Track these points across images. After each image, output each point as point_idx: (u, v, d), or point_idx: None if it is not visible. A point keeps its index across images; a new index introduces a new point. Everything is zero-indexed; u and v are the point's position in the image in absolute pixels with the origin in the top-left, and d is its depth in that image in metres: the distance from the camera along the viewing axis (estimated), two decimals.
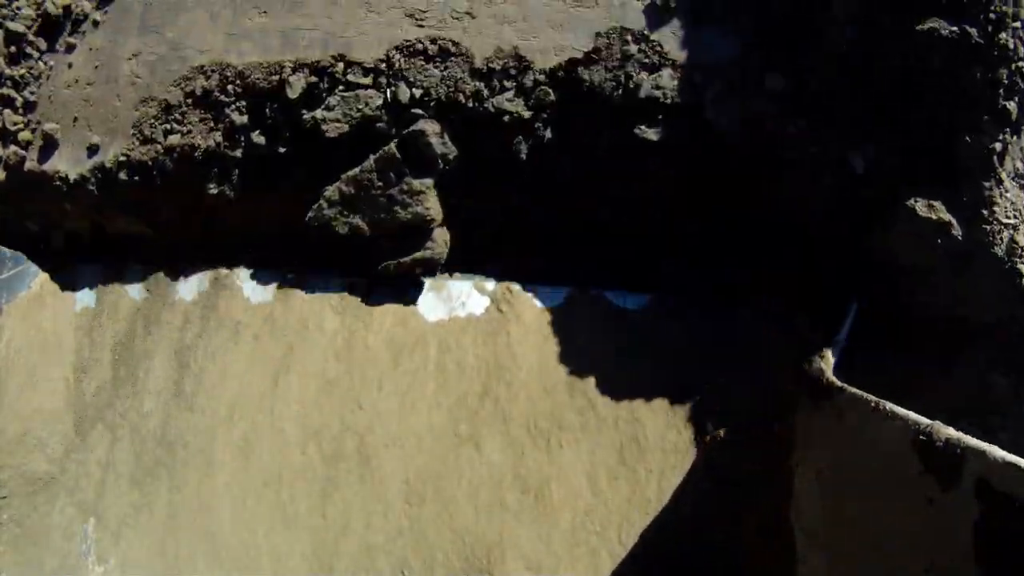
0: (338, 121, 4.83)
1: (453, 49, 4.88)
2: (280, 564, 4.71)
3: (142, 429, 5.16)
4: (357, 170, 4.90)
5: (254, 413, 5.05)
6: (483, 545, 4.61)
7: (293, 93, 4.91)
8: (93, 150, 5.31)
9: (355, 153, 4.98)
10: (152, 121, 5.21)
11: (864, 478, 3.57)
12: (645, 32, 4.87)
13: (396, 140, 4.85)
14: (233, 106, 5.07)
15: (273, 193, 5.19)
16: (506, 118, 4.82)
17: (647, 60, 4.79)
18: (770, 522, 4.39)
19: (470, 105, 4.85)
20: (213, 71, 5.11)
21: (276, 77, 5.01)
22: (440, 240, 4.92)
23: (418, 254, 4.89)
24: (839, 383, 3.99)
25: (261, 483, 4.90)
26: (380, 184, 4.83)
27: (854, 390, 3.79)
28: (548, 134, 4.88)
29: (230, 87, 5.06)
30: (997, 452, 2.79)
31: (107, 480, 5.03)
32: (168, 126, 5.19)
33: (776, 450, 4.53)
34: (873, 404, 3.59)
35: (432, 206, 4.83)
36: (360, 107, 4.84)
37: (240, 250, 5.47)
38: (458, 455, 4.81)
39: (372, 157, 4.89)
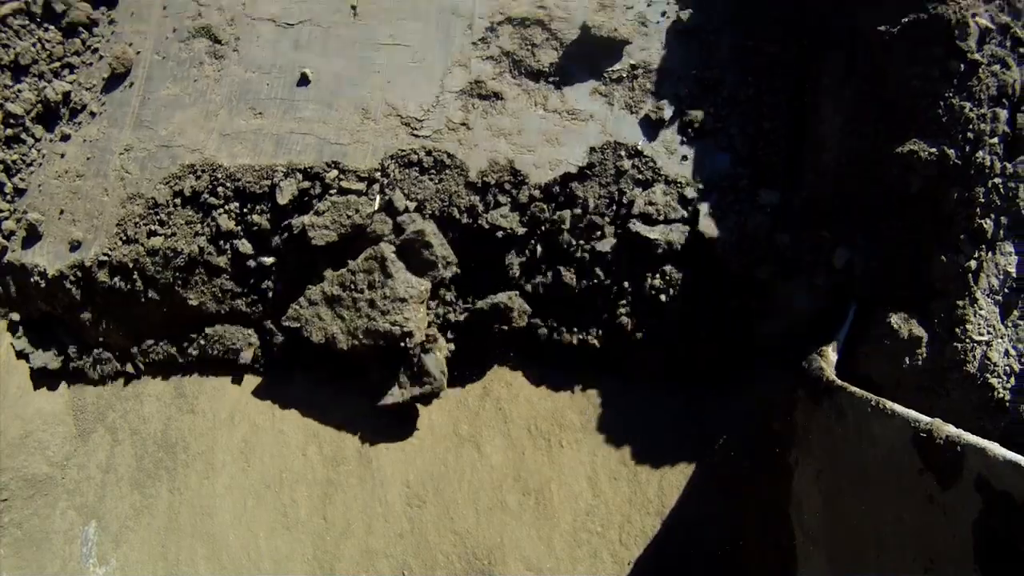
0: (327, 228, 4.56)
1: (448, 161, 4.69)
2: (280, 567, 4.58)
3: (143, 432, 4.90)
4: (345, 269, 4.57)
5: (254, 415, 4.89)
6: (484, 547, 4.60)
7: (283, 198, 4.64)
8: (75, 246, 4.97)
9: (344, 263, 4.64)
10: (137, 220, 4.88)
11: (864, 477, 3.40)
12: (639, 147, 4.74)
13: (391, 242, 4.54)
14: (221, 209, 4.77)
15: (260, 301, 4.85)
16: (500, 234, 4.58)
17: (640, 176, 4.65)
18: (770, 522, 4.40)
19: (464, 220, 4.60)
20: (203, 171, 4.84)
21: (268, 181, 4.73)
22: (437, 371, 4.47)
23: (417, 391, 4.46)
24: (839, 382, 3.80)
25: (262, 486, 4.68)
26: (364, 286, 4.48)
27: (854, 389, 3.73)
28: (540, 248, 4.62)
29: (220, 189, 4.78)
30: (997, 449, 2.66)
31: (108, 483, 4.76)
32: (152, 227, 4.85)
33: (775, 449, 4.53)
34: (873, 403, 3.42)
35: (412, 317, 4.44)
36: (350, 214, 4.57)
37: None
38: (459, 456, 4.75)
39: (362, 255, 4.56)
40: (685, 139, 4.79)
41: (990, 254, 3.97)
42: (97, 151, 5.16)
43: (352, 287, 4.53)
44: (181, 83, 5.19)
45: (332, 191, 4.66)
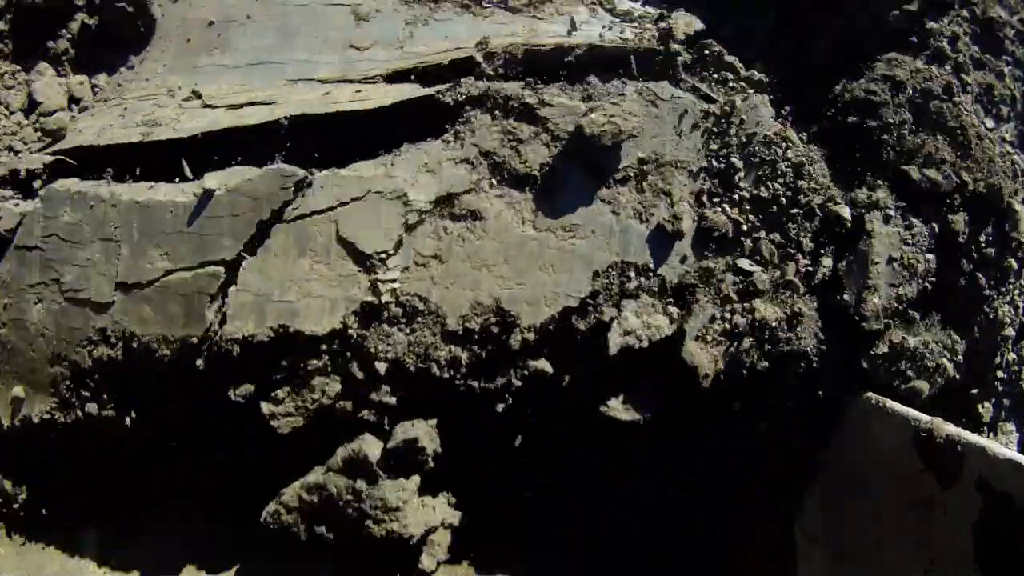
0: (291, 415, 3.66)
1: (421, 307, 3.69)
2: None
3: None
4: (320, 474, 3.71)
5: None
6: None
7: (236, 395, 3.72)
8: (18, 404, 4.05)
9: (315, 441, 3.76)
10: (67, 383, 3.96)
11: (864, 477, 3.39)
12: (650, 265, 3.80)
13: (368, 426, 3.75)
14: (146, 383, 3.84)
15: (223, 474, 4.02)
16: (493, 403, 3.77)
17: (648, 299, 3.80)
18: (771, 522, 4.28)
19: (445, 376, 3.69)
20: (116, 339, 3.81)
21: (195, 357, 3.71)
22: None
23: None
24: None
25: None
26: (350, 495, 3.66)
27: None
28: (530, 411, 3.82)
29: (140, 361, 3.79)
30: (998, 448, 2.67)
31: None
32: (84, 392, 3.94)
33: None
34: (873, 401, 3.39)
35: (411, 520, 3.65)
36: (316, 396, 3.66)
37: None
38: None
39: (339, 455, 3.70)
40: (705, 250, 3.86)
41: (992, 435, 3.86)
42: (13, 297, 4.04)
43: (336, 496, 3.68)
44: (81, 208, 3.96)
45: (291, 373, 3.70)
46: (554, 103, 3.89)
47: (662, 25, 4.06)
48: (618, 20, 4.24)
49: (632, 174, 3.87)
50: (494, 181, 3.84)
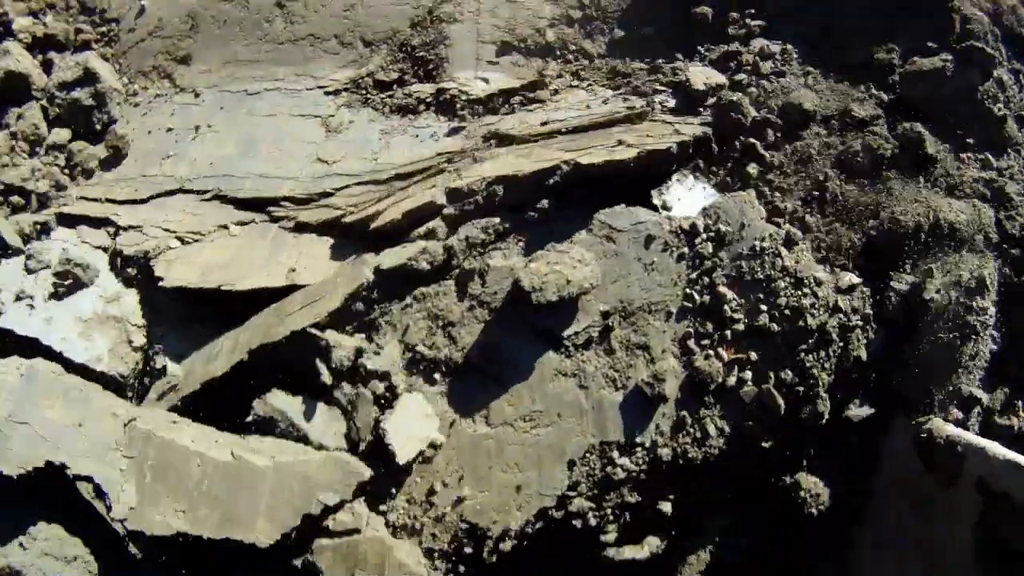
0: None
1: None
2: None
3: None
4: None
5: None
6: None
7: None
8: None
9: None
10: None
11: (865, 478, 3.31)
12: (635, 439, 3.20)
13: None
14: None
15: None
16: None
17: (639, 479, 3.23)
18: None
19: None
20: None
21: None
22: None
23: None
24: None
25: None
26: None
27: None
28: None
29: None
30: (998, 449, 2.49)
31: None
32: None
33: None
34: None
35: None
36: None
37: None
38: None
39: None
40: (699, 406, 3.23)
41: None
42: None
43: None
44: (78, 409, 3.29)
45: None
46: (488, 265, 3.25)
47: (676, 78, 3.48)
48: (619, 90, 3.67)
49: (595, 334, 3.19)
50: (429, 375, 3.23)
